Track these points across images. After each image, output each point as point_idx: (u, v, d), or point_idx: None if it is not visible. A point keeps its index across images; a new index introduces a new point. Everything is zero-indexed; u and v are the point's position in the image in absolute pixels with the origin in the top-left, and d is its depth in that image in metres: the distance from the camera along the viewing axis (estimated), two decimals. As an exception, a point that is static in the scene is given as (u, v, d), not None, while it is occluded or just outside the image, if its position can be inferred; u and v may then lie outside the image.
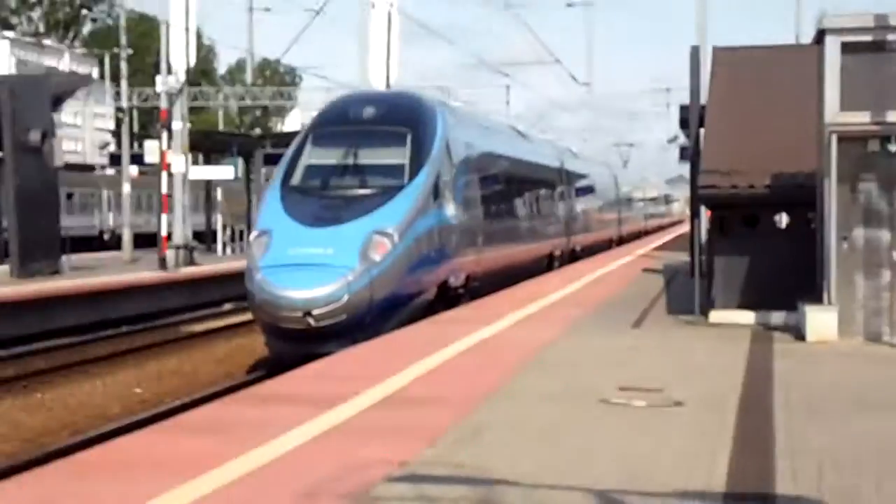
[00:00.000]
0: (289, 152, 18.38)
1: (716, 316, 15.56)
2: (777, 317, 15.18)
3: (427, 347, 12.72)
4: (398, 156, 17.77)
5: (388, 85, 25.92)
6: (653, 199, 66.00)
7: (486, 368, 11.39)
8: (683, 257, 26.77)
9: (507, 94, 60.06)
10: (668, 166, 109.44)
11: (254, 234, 16.93)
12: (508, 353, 12.39)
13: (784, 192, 15.39)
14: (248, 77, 51.70)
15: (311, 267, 15.62)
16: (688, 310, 16.13)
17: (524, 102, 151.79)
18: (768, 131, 17.06)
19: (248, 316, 25.50)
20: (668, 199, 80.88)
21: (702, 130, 18.95)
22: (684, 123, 22.60)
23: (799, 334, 13.85)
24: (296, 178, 17.65)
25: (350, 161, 17.69)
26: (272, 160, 38.09)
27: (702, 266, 17.18)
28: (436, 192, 18.01)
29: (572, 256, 31.43)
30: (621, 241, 44.65)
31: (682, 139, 31.05)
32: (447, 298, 18.43)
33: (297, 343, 15.41)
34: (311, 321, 15.32)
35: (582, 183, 35.48)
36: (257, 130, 49.06)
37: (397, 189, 17.20)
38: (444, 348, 12.73)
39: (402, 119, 18.38)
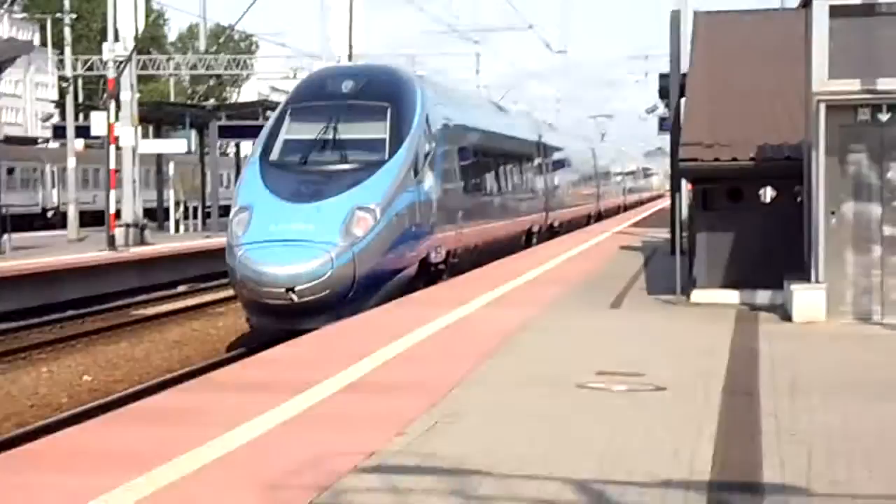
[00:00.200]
0: (266, 127, 19.01)
1: (698, 295, 15.62)
2: (762, 296, 15.26)
3: (398, 330, 12.72)
4: (378, 130, 18.33)
5: (350, 53, 25.83)
6: (631, 173, 67.38)
7: (459, 352, 11.40)
8: (663, 234, 26.88)
9: (477, 63, 60.00)
10: (647, 138, 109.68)
11: (233, 210, 17.50)
12: (483, 336, 12.41)
13: (769, 164, 15.44)
14: (202, 44, 51.36)
15: (293, 243, 16.29)
16: (668, 289, 16.18)
17: (495, 71, 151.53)
18: (753, 101, 17.12)
19: (203, 298, 25.50)
20: (646, 173, 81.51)
21: (683, 100, 19.02)
22: (664, 93, 22.72)
23: (785, 314, 13.92)
24: (275, 154, 18.22)
25: (330, 136, 18.22)
26: (228, 132, 38.00)
27: (683, 243, 17.23)
28: (416, 168, 18.62)
29: (551, 232, 32.20)
30: (600, 216, 45.71)
31: (662, 109, 31.13)
32: (428, 274, 19.10)
33: (280, 318, 16.11)
34: (294, 297, 15.98)
35: (559, 157, 36.21)
36: (211, 101, 48.65)
37: (378, 164, 17.84)
38: (415, 331, 12.74)
39: (381, 94, 18.94)
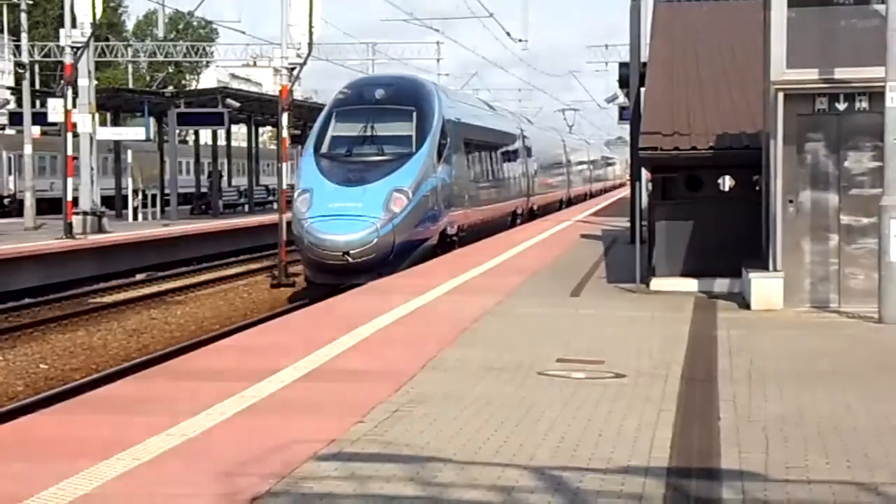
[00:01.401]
0: (315, 126, 24.03)
1: (657, 284, 15.71)
2: (721, 284, 15.38)
3: (360, 318, 12.72)
4: (406, 129, 23.29)
5: (310, 41, 25.85)
6: (595, 163, 70.54)
7: (419, 339, 11.42)
8: (623, 223, 27.01)
9: (438, 51, 59.87)
10: (608, 127, 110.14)
11: (297, 192, 22.34)
12: (443, 324, 12.44)
13: (728, 153, 15.55)
14: (160, 31, 50.94)
15: (347, 217, 21.12)
16: (628, 278, 16.26)
17: (456, 59, 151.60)
18: (712, 90, 17.22)
19: (161, 287, 25.37)
20: (608, 162, 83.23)
21: (642, 90, 19.09)
22: (624, 82, 22.80)
23: (744, 302, 14.04)
24: (325, 147, 23.08)
25: (368, 133, 23.14)
26: (187, 119, 37.74)
27: (643, 232, 17.35)
28: (435, 159, 23.47)
29: (531, 214, 37.22)
30: (570, 202, 50.19)
31: (622, 99, 31.26)
32: (444, 244, 24.02)
33: (336, 275, 20.88)
34: (349, 259, 20.82)
35: (537, 148, 40.88)
36: (170, 88, 48.36)
37: (408, 156, 22.74)
38: (377, 318, 12.75)
39: (407, 99, 23.97)
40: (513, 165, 34.64)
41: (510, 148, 34.72)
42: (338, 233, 20.94)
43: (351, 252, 20.78)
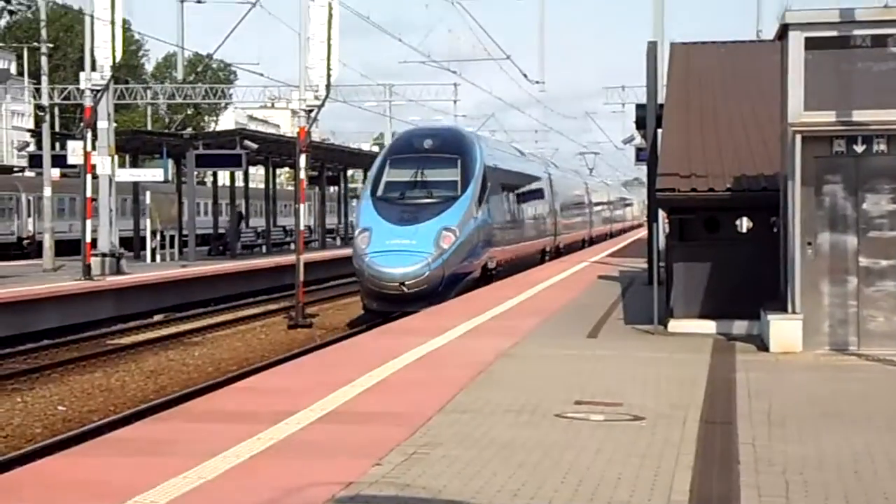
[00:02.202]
0: (371, 172, 27.12)
1: (675, 325, 15.65)
2: (739, 326, 15.30)
3: (377, 359, 12.71)
4: (452, 175, 26.40)
5: (328, 83, 26.04)
6: (612, 203, 72.11)
7: (436, 381, 11.40)
8: (641, 264, 26.99)
9: (455, 93, 60.09)
10: (625, 168, 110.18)
11: (357, 230, 25.45)
12: (461, 365, 12.41)
13: (746, 195, 15.52)
14: (179, 73, 51.27)
15: (403, 252, 23.98)
16: (646, 319, 16.19)
17: (473, 100, 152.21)
18: (729, 131, 17.23)
19: (179, 328, 25.43)
20: (625, 203, 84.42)
21: (659, 131, 19.10)
22: (641, 123, 22.74)
23: (762, 345, 13.97)
24: (380, 191, 26.01)
25: (419, 178, 26.17)
26: (205, 161, 37.90)
27: (660, 273, 17.30)
28: (478, 202, 26.52)
29: (557, 252, 39.68)
30: (591, 241, 52.28)
31: (639, 140, 31.31)
32: (485, 278, 26.97)
33: (392, 303, 23.69)
34: (405, 288, 23.66)
35: (563, 191, 44.10)
36: (189, 130, 48.64)
37: (454, 199, 25.83)
38: (394, 359, 12.73)
39: (453, 148, 27.08)
40: (542, 207, 37.74)
41: (539, 191, 37.85)
42: (395, 266, 23.73)
43: (406, 283, 23.63)
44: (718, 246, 15.80)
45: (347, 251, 47.25)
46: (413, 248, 24.07)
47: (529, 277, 27.15)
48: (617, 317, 17.69)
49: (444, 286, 24.13)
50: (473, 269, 26.14)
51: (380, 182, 26.20)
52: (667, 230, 18.85)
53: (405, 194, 25.82)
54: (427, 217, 24.91)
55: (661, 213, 19.95)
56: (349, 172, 59.10)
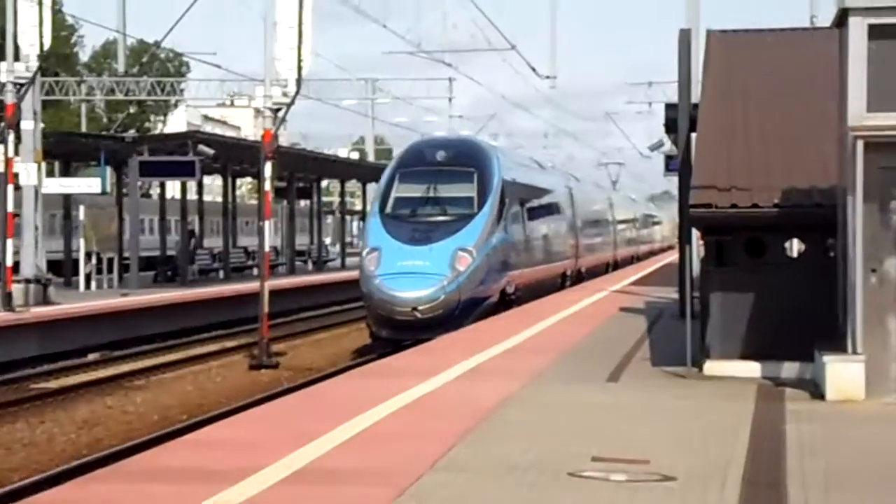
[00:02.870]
0: (379, 187, 29.11)
1: (712, 367, 15.63)
2: (789, 369, 15.27)
3: (356, 407, 12.69)
4: (468, 190, 28.06)
5: (299, 77, 26.07)
6: (639, 221, 73.48)
7: (427, 433, 11.38)
8: (670, 294, 27.05)
9: (449, 89, 60.31)
10: (651, 179, 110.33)
11: (365, 250, 27.04)
12: (456, 414, 12.40)
13: (796, 212, 15.51)
14: (120, 65, 51.25)
15: (415, 275, 25.61)
16: (677, 360, 16.19)
17: (471, 98, 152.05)
18: (777, 137, 17.20)
19: (119, 369, 25.40)
20: (653, 221, 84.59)
21: (693, 135, 19.10)
22: (671, 126, 22.78)
23: (817, 391, 13.95)
24: (389, 208, 27.75)
25: (431, 194, 27.81)
26: (151, 169, 37.86)
27: (694, 305, 17.28)
28: (496, 220, 28.20)
29: (578, 276, 41.26)
30: (616, 265, 53.91)
31: (668, 146, 31.38)
32: (504, 303, 28.61)
33: (403, 330, 25.24)
34: (418, 314, 25.23)
35: (585, 207, 46.00)
36: (132, 132, 48.75)
37: (470, 216, 27.50)
38: (377, 406, 12.73)
39: (468, 160, 28.80)
40: (562, 226, 39.78)
41: (560, 208, 39.85)
42: (407, 289, 25.40)
43: (419, 308, 25.26)
44: (764, 272, 15.76)
45: (322, 277, 47.35)
46: (426, 269, 25.73)
47: (541, 307, 27.42)
48: (643, 356, 17.68)
49: (461, 312, 25.77)
50: (492, 293, 27.90)
51: (388, 198, 28.03)
52: (702, 254, 18.84)
53: (417, 211, 27.69)
54: (441, 236, 26.63)
55: (696, 234, 19.97)
56: (323, 183, 59.22)
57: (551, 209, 37.91)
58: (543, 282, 34.28)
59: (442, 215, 27.52)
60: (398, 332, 25.46)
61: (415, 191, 28.08)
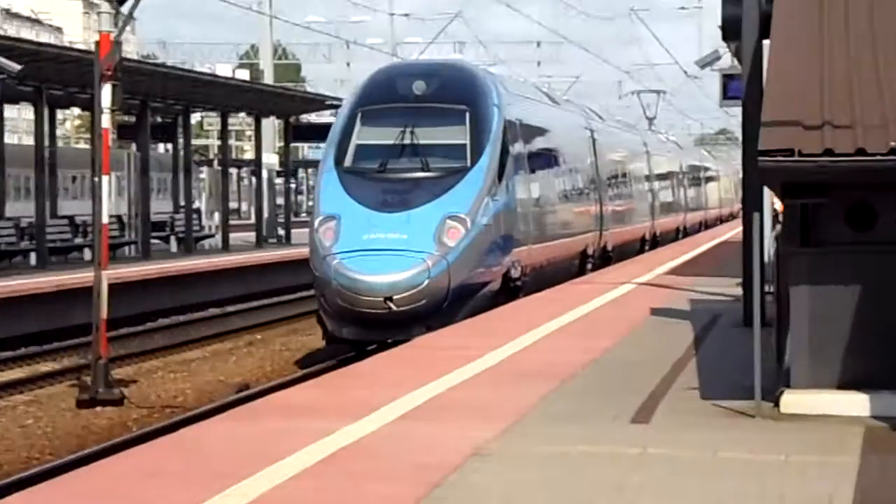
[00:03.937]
0: (334, 131, 30.28)
1: (794, 402, 15.51)
2: (915, 404, 15.20)
3: (239, 464, 12.74)
4: (459, 135, 29.47)
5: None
6: (687, 177, 74.92)
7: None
8: (728, 288, 27.60)
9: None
10: (701, 113, 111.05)
11: (318, 219, 28.28)
12: (396, 476, 12.49)
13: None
14: None
15: (389, 252, 26.84)
16: (739, 390, 16.18)
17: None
18: (888, 48, 17.04)
19: None
20: (707, 176, 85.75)
21: (766, 44, 18.96)
22: (731, 32, 22.77)
23: (957, 438, 13.90)
24: (348, 160, 29.21)
25: (407, 141, 29.19)
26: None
27: (766, 305, 17.11)
28: (498, 176, 29.73)
29: (604, 255, 44.11)
30: (655, 241, 57.14)
31: (727, 60, 31.67)
32: (508, 291, 30.19)
33: (372, 330, 26.60)
34: (392, 306, 26.26)
35: (612, 159, 48.88)
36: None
37: (462, 171, 28.95)
38: (274, 464, 12.72)
39: (458, 94, 30.23)
40: (583, 186, 42.30)
41: (581, 160, 42.55)
42: (378, 272, 26.71)
43: (395, 298, 26.40)
44: (875, 255, 15.73)
45: (196, 262, 47.44)
46: (404, 245, 27.05)
47: (537, 310, 27.60)
48: (686, 384, 17.75)
49: (450, 303, 27.18)
50: (492, 277, 29.57)
51: (347, 146, 29.36)
52: (779, 226, 18.68)
53: (388, 165, 29.07)
54: (423, 199, 27.97)
55: (769, 196, 19.81)
56: (195, 117, 59.04)
57: (570, 162, 39.85)
58: (559, 262, 36.32)
59: (423, 170, 28.81)
60: (365, 330, 26.73)
61: (385, 136, 29.39)
